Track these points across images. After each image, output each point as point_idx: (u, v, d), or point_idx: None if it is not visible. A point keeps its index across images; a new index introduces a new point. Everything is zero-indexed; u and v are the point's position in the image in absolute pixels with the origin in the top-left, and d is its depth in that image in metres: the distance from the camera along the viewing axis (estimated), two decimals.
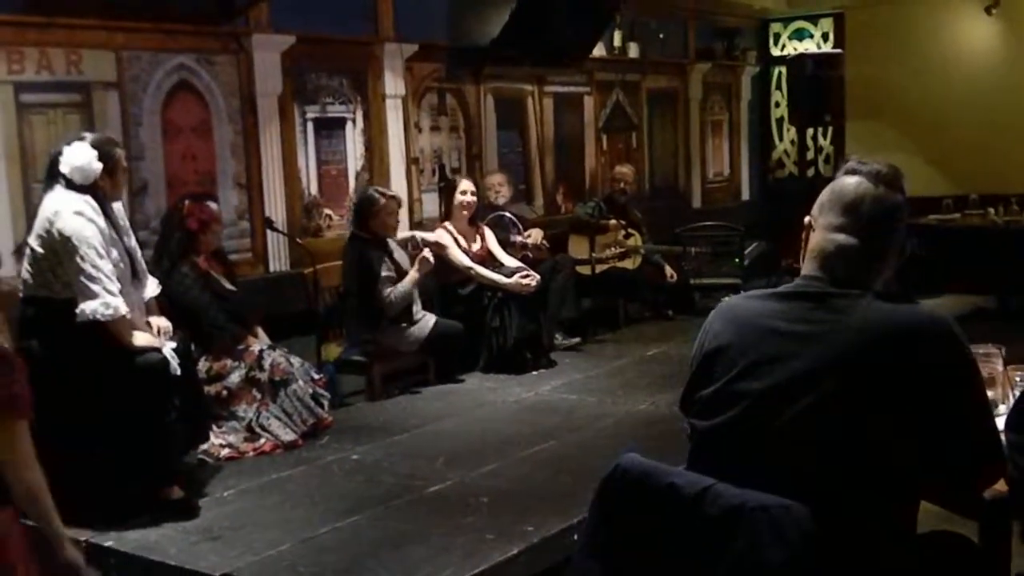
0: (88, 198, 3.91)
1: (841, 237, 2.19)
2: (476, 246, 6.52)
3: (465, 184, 6.52)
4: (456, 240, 6.38)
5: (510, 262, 6.54)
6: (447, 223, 6.47)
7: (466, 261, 6.29)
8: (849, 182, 2.23)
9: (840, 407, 2.05)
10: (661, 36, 9.48)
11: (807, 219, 2.28)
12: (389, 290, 5.73)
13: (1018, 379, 2.74)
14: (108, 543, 3.64)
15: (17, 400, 2.56)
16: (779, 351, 2.13)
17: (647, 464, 2.19)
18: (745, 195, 10.90)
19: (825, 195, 2.26)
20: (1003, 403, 2.70)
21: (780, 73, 10.71)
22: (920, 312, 2.11)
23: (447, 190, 6.59)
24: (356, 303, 5.86)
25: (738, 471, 2.09)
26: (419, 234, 6.30)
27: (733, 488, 2.05)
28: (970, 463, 2.14)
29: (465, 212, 6.46)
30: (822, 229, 2.23)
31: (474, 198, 6.50)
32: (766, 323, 2.18)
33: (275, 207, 6.16)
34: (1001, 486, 2.27)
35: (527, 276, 6.30)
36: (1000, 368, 2.80)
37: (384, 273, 5.75)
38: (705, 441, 2.23)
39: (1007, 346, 2.83)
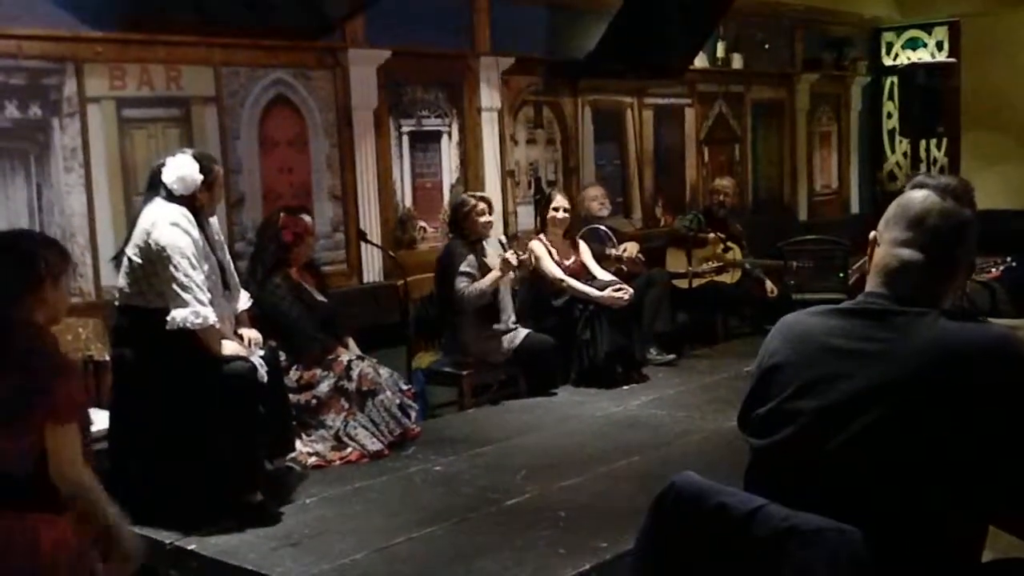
0: (185, 210, 4.03)
1: (906, 252, 2.11)
2: (570, 260, 6.50)
3: (559, 200, 6.50)
4: (550, 252, 6.37)
5: (603, 275, 6.50)
6: (541, 235, 6.47)
7: (558, 273, 6.28)
8: (916, 196, 2.14)
9: (898, 428, 1.97)
10: (766, 46, 9.32)
11: (872, 234, 2.21)
12: (464, 284, 5.75)
13: None
14: (191, 547, 3.73)
15: (59, 406, 2.62)
16: (837, 369, 2.07)
17: (701, 482, 2.15)
18: (854, 208, 10.63)
19: (891, 209, 2.18)
20: None
21: (892, 83, 10.42)
22: (986, 331, 2.02)
23: (541, 206, 6.59)
24: (439, 302, 5.91)
25: (792, 491, 2.03)
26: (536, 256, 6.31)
27: (784, 509, 1.99)
28: None
29: (558, 227, 6.45)
30: (887, 244, 2.15)
31: (567, 214, 6.48)
32: (825, 341, 2.12)
33: (369, 219, 6.25)
34: None
35: (619, 289, 6.25)
36: None
37: (464, 268, 5.78)
38: (760, 459, 2.18)
39: None
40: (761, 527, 2.00)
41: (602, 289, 6.25)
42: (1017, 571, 2.21)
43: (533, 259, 6.13)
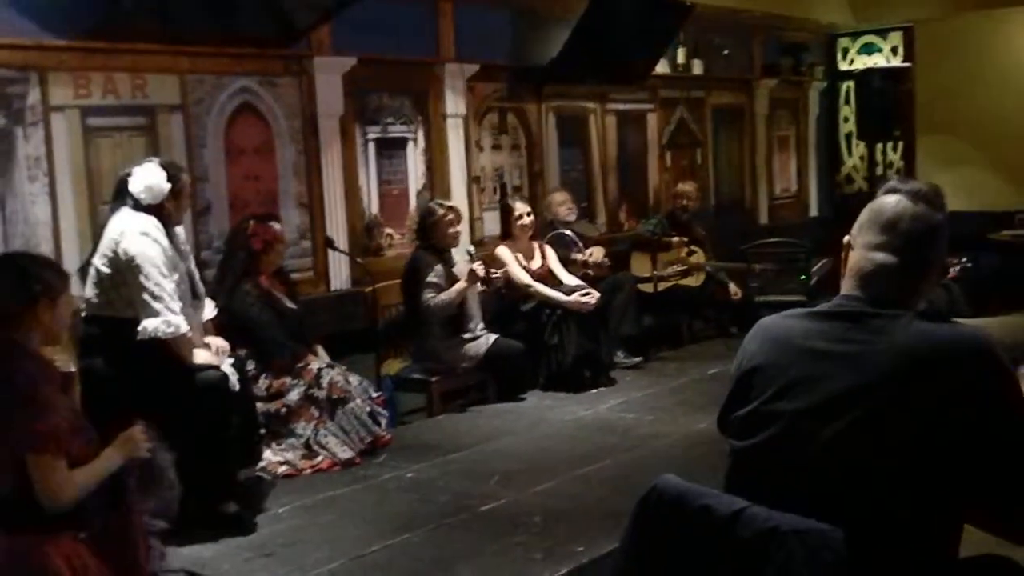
0: (154, 219, 4.01)
1: (880, 256, 2.15)
2: (536, 264, 6.54)
3: (520, 207, 6.57)
4: (516, 258, 6.40)
5: (570, 280, 6.54)
6: (506, 242, 6.50)
7: (525, 278, 6.31)
8: (888, 200, 2.19)
9: (876, 429, 2.01)
10: (726, 52, 9.42)
11: (846, 239, 2.25)
12: (430, 295, 5.77)
13: None
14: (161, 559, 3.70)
15: (39, 438, 2.63)
16: (815, 371, 2.10)
17: (682, 485, 2.17)
18: (813, 211, 10.77)
19: (864, 214, 2.22)
20: None
21: (848, 88, 10.56)
22: (959, 332, 2.07)
23: (504, 213, 6.62)
24: (407, 310, 5.92)
25: (773, 492, 2.06)
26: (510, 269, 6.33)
27: (767, 511, 2.02)
28: (1013, 485, 2.08)
29: (524, 233, 6.49)
30: (861, 248, 2.19)
31: (531, 219, 6.53)
32: (803, 343, 2.16)
33: (336, 227, 6.24)
34: None
35: (586, 294, 6.29)
36: None
37: (430, 279, 5.79)
38: (740, 461, 2.21)
39: None
40: (744, 528, 2.03)
41: (569, 294, 6.30)
42: (992, 567, 2.26)
43: (501, 278, 6.14)
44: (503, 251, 6.38)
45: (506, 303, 6.38)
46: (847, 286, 2.20)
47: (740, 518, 2.04)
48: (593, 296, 6.29)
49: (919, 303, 2.16)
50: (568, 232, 7.00)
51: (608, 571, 3.46)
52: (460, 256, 6.10)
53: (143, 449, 3.01)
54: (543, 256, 6.61)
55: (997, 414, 2.02)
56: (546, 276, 6.51)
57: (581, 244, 7.02)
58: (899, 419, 2.01)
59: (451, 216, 5.94)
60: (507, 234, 6.58)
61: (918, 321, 2.08)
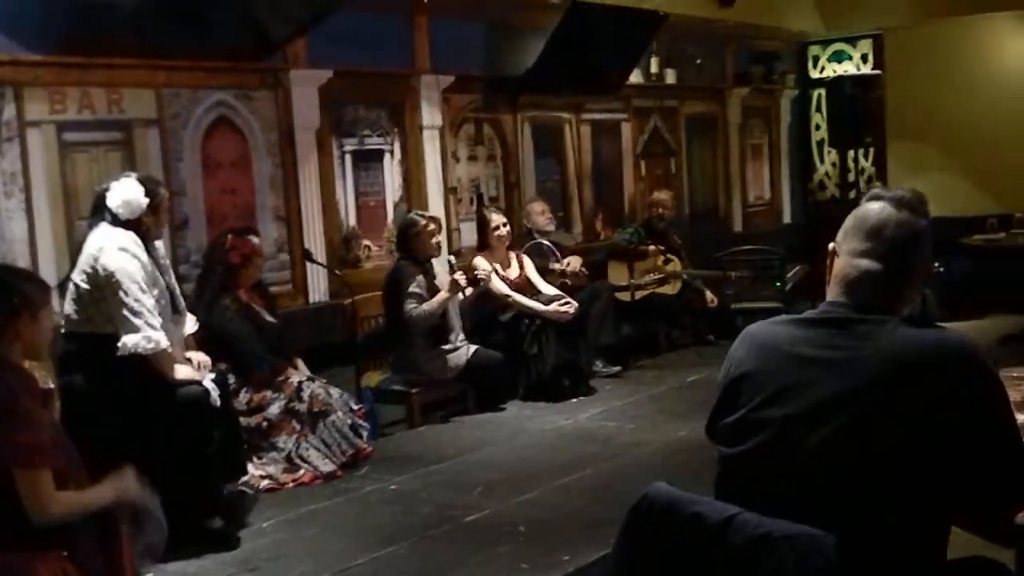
0: (132, 235, 4.00)
1: (865, 262, 2.18)
2: (514, 274, 6.55)
3: (496, 218, 6.58)
4: (495, 269, 6.42)
5: (548, 290, 6.56)
6: (483, 253, 6.51)
7: (504, 289, 6.32)
8: (872, 208, 2.22)
9: (864, 434, 2.03)
10: (698, 62, 9.48)
11: (831, 245, 2.27)
12: (412, 305, 5.77)
13: None
14: (148, 575, 3.67)
15: (21, 450, 2.61)
16: (803, 378, 2.12)
17: (673, 493, 2.19)
18: (787, 218, 10.84)
19: (849, 221, 2.25)
20: None
21: (819, 96, 10.65)
22: (945, 337, 2.09)
23: (481, 223, 6.62)
24: (388, 322, 5.91)
25: (763, 498, 2.08)
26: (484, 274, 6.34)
27: (758, 517, 2.03)
28: (999, 488, 2.10)
29: (502, 243, 6.52)
30: (846, 255, 2.22)
31: (507, 229, 6.55)
32: (790, 350, 2.18)
33: (314, 239, 6.23)
34: None
35: (565, 304, 6.31)
36: None
37: (412, 289, 5.80)
38: (730, 468, 2.23)
39: None
40: (736, 535, 2.04)
41: (547, 304, 6.31)
42: (979, 569, 2.29)
43: (486, 279, 6.15)
44: (480, 262, 6.38)
45: (485, 314, 6.37)
46: (833, 293, 2.23)
47: (731, 525, 2.06)
48: (571, 306, 6.32)
49: (904, 309, 2.19)
50: (545, 242, 7.02)
51: None
52: (440, 267, 6.11)
53: (133, 492, 2.97)
54: (520, 266, 6.62)
55: (982, 418, 2.05)
56: (524, 286, 6.52)
57: (559, 253, 7.03)
58: (886, 424, 2.03)
59: (433, 227, 5.95)
60: (483, 245, 6.57)
61: (903, 327, 2.11)
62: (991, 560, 2.32)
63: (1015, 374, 2.59)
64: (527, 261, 6.68)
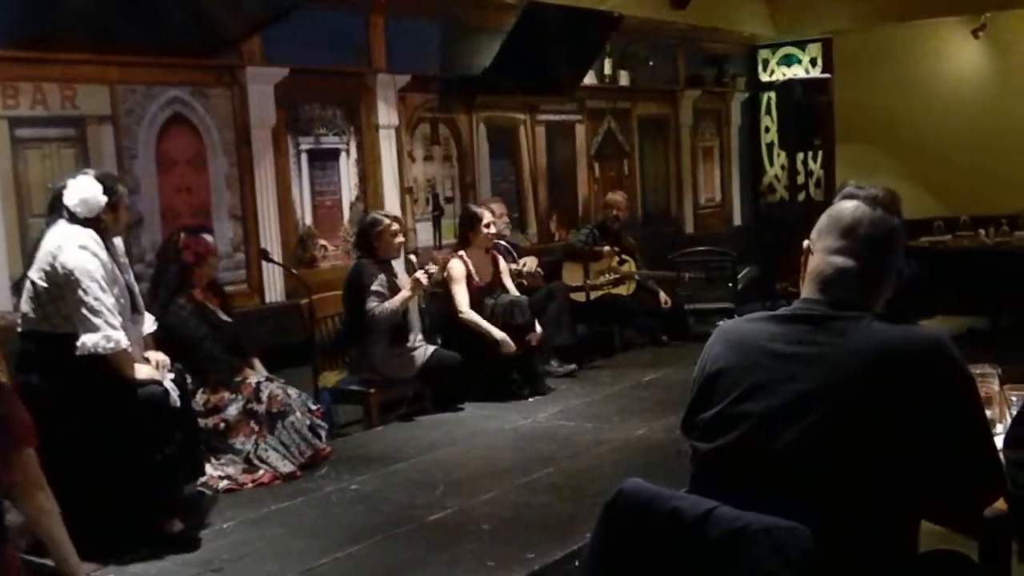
0: (92, 232, 3.93)
1: (839, 260, 2.21)
2: (490, 277, 6.54)
3: (488, 216, 6.53)
4: (470, 271, 6.38)
5: (514, 292, 6.54)
6: (463, 253, 6.47)
7: (462, 304, 6.29)
8: (847, 206, 2.25)
9: (839, 428, 2.06)
10: (651, 63, 9.55)
11: (806, 243, 2.30)
12: (374, 304, 5.74)
13: (1014, 399, 2.76)
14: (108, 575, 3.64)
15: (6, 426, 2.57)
16: (779, 373, 2.14)
17: (650, 489, 2.19)
18: (737, 220, 10.95)
19: (823, 219, 2.28)
20: (1000, 422, 2.71)
21: (769, 99, 10.78)
22: (918, 333, 2.13)
23: (470, 221, 6.57)
24: (348, 321, 5.88)
25: (740, 493, 2.09)
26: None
27: (735, 511, 2.05)
28: (971, 482, 2.14)
29: (486, 243, 6.50)
30: (820, 252, 2.24)
31: (496, 229, 6.52)
32: (766, 346, 2.20)
33: (270, 238, 6.18)
34: (1001, 504, 2.28)
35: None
36: (996, 388, 2.82)
37: (374, 288, 5.77)
38: (706, 463, 2.24)
39: (1000, 366, 2.85)
40: (714, 528, 2.06)
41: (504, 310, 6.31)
42: (945, 561, 2.33)
43: (438, 273, 6.13)
44: (456, 265, 6.35)
45: (445, 313, 6.37)
46: (808, 290, 2.25)
47: (709, 518, 2.07)
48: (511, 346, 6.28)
49: (877, 305, 2.23)
50: (502, 243, 7.02)
51: None
52: (399, 265, 6.08)
53: None
54: (496, 267, 6.60)
55: (955, 412, 2.09)
56: (497, 286, 6.52)
57: (515, 254, 7.04)
58: (861, 418, 2.06)
59: (396, 227, 5.93)
60: (465, 242, 6.53)
61: (878, 323, 2.14)
62: (957, 552, 2.36)
63: (977, 371, 2.63)
64: (502, 262, 6.66)
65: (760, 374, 2.17)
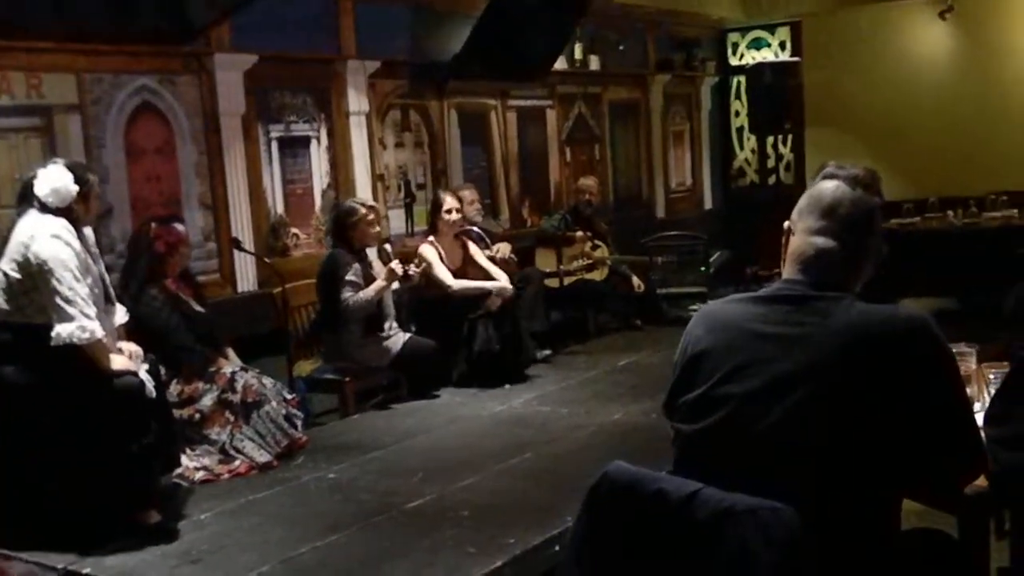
0: (64, 222, 3.88)
1: (820, 240, 2.21)
2: (460, 262, 6.50)
3: (449, 201, 6.48)
4: (441, 256, 6.36)
5: (499, 274, 6.50)
6: (432, 238, 6.44)
7: (447, 279, 6.26)
8: (827, 186, 2.25)
9: (823, 408, 2.07)
10: (621, 48, 9.55)
11: (787, 224, 2.30)
12: (348, 294, 5.71)
13: (992, 377, 2.78)
14: (86, 570, 3.59)
15: None
16: (761, 354, 2.15)
17: (634, 471, 2.19)
18: (708, 204, 10.99)
19: (804, 200, 2.28)
20: (978, 400, 2.74)
21: (739, 82, 10.82)
22: (900, 312, 2.14)
23: (433, 207, 6.53)
24: (323, 310, 5.85)
25: (724, 474, 2.10)
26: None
27: (720, 492, 2.05)
28: (953, 459, 2.16)
29: (451, 229, 6.45)
30: (801, 233, 2.25)
31: (459, 215, 6.49)
32: (748, 327, 2.20)
33: (241, 227, 6.13)
34: (982, 481, 2.30)
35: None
36: (974, 366, 2.84)
37: (349, 278, 5.73)
38: (690, 445, 2.24)
39: None
40: (699, 510, 2.06)
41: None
42: (925, 538, 2.35)
43: (419, 275, 6.08)
44: (427, 250, 6.32)
45: (419, 300, 6.34)
46: (789, 271, 2.26)
47: (694, 500, 2.07)
48: (509, 288, 6.31)
49: (857, 285, 2.24)
50: (475, 229, 6.99)
51: (542, 562, 3.51)
52: (373, 254, 6.05)
53: None
54: (466, 252, 6.57)
55: (936, 390, 2.10)
56: (469, 272, 6.49)
57: (488, 240, 7.02)
58: (843, 398, 2.07)
59: (372, 216, 5.88)
60: (434, 228, 6.50)
61: (859, 303, 2.15)
62: (937, 531, 2.39)
63: (955, 350, 2.65)
64: (472, 247, 6.62)
65: (743, 355, 2.17)
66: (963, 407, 2.16)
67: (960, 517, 2.48)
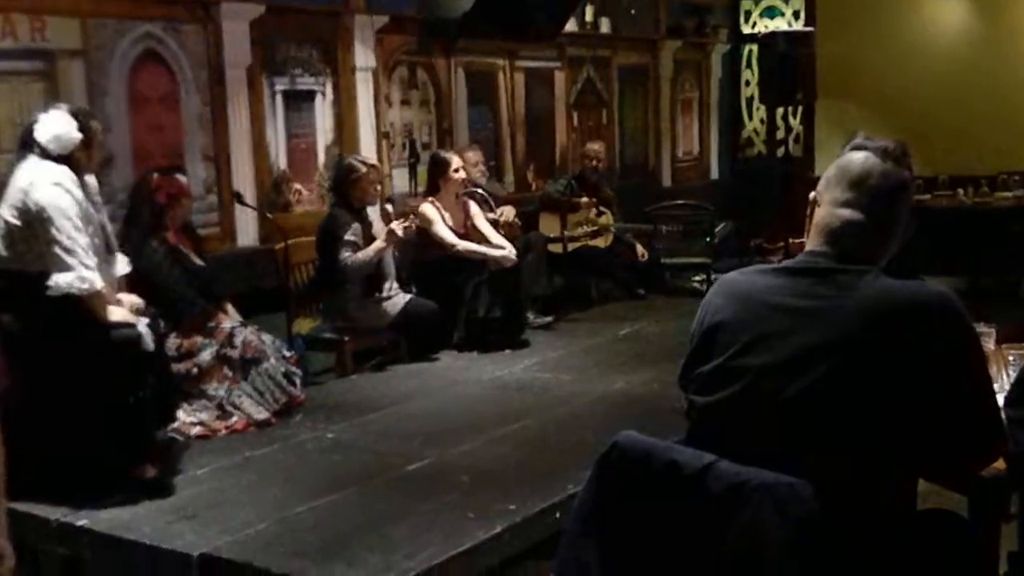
0: (66, 169, 3.80)
1: (847, 212, 2.15)
2: (462, 223, 6.43)
3: (456, 161, 6.38)
4: (443, 217, 6.28)
5: (497, 239, 6.42)
6: (433, 198, 6.36)
7: (450, 238, 6.18)
8: (856, 157, 2.19)
9: (843, 383, 2.02)
10: (632, 11, 9.42)
11: (812, 195, 2.24)
12: (348, 254, 5.64)
13: (1011, 358, 2.73)
14: (81, 522, 3.55)
15: None
16: (781, 327, 2.10)
17: (647, 441, 2.15)
18: (714, 174, 10.89)
19: (831, 170, 2.22)
20: (996, 381, 2.68)
21: (751, 51, 10.68)
22: (924, 288, 2.09)
23: (439, 166, 6.42)
24: (322, 269, 5.79)
25: (739, 447, 2.06)
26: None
27: (735, 465, 2.01)
28: (972, 439, 2.11)
29: (455, 189, 6.34)
30: (828, 204, 2.19)
31: (465, 174, 6.40)
32: (769, 298, 2.15)
33: (243, 181, 6.04)
34: (999, 464, 2.25)
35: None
36: (993, 347, 2.80)
37: (347, 237, 5.65)
38: (705, 417, 2.20)
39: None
40: (714, 483, 2.02)
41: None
42: (938, 519, 2.31)
43: (415, 227, 5.98)
44: (428, 209, 6.23)
45: (421, 261, 6.27)
46: (813, 242, 2.20)
47: (709, 473, 2.03)
48: (512, 253, 6.23)
49: (884, 260, 2.18)
50: (479, 191, 6.91)
51: (542, 529, 3.48)
52: (375, 213, 5.97)
53: None
54: (467, 213, 6.49)
55: (957, 369, 2.05)
56: (470, 234, 6.41)
57: (492, 203, 6.94)
58: (864, 373, 2.02)
59: (373, 175, 5.80)
60: (434, 188, 6.40)
61: (884, 278, 2.10)
62: (949, 512, 2.34)
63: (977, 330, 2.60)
64: (474, 208, 6.54)
65: (763, 327, 2.12)
66: (985, 386, 2.12)
67: (972, 498, 2.44)
